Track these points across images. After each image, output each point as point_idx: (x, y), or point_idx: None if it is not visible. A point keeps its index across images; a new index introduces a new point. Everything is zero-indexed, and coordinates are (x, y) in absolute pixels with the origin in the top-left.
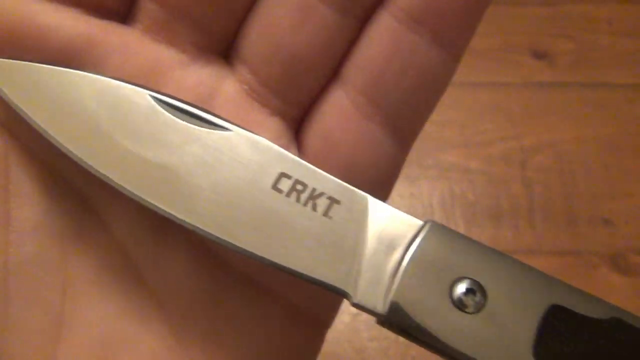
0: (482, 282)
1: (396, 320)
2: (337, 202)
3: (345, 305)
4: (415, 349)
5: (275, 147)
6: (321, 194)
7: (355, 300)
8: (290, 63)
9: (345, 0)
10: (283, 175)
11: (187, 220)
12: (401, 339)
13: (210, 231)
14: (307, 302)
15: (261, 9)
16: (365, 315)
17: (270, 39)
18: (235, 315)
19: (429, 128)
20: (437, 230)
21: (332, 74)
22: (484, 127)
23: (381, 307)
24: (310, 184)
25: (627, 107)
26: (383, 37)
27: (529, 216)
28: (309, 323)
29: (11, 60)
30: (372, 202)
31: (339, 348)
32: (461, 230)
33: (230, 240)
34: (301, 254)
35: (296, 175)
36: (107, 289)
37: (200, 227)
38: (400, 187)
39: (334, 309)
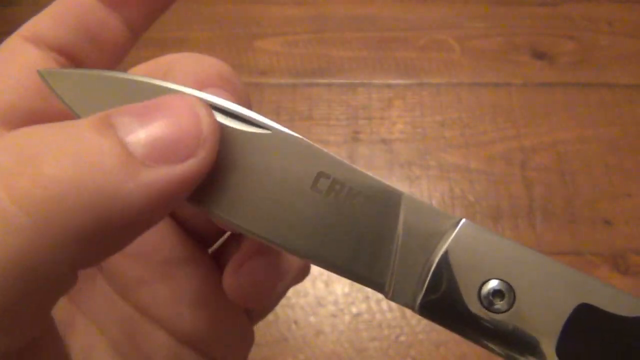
0: (511, 283)
1: (427, 315)
2: (373, 200)
3: (346, 305)
4: (415, 349)
5: (314, 145)
6: (358, 193)
7: (389, 297)
8: None
9: None
10: (321, 175)
11: (232, 220)
12: (401, 338)
13: (254, 231)
14: None
15: None
16: (365, 315)
17: None
18: None
19: (429, 128)
20: (469, 228)
21: None
22: (484, 127)
23: (412, 303)
24: (348, 183)
25: (627, 107)
26: None
27: (529, 216)
28: None
29: (69, 70)
30: (407, 199)
31: (340, 348)
32: None
33: (275, 240)
34: (340, 252)
35: (334, 174)
36: None
37: (243, 226)
38: (400, 187)
39: None
